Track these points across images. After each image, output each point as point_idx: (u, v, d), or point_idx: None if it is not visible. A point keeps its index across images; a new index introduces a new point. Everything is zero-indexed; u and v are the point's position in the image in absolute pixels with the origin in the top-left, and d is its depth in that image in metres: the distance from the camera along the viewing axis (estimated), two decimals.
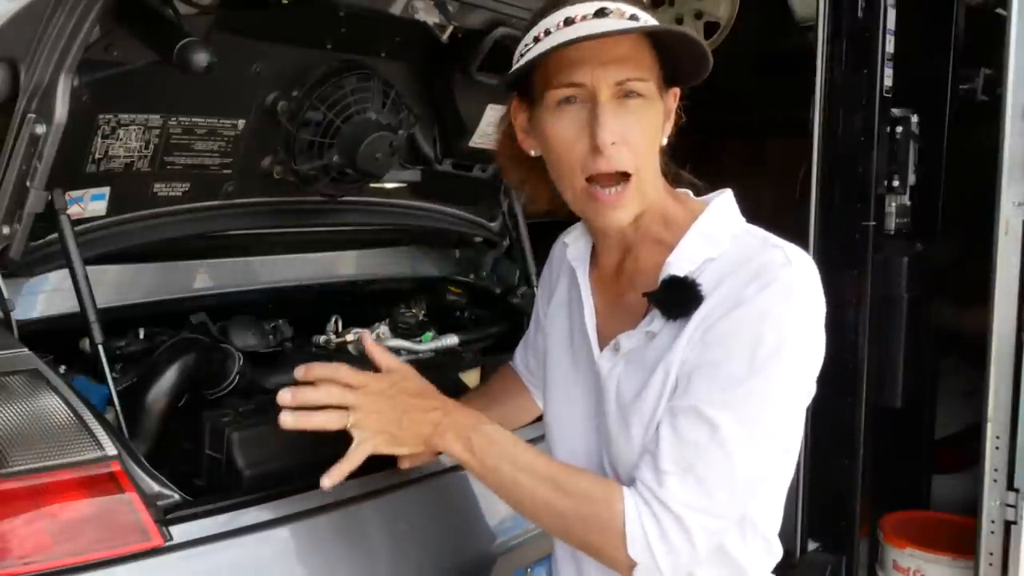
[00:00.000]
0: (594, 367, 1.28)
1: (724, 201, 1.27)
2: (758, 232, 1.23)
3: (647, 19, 1.17)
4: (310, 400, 1.26)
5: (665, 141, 1.26)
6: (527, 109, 1.27)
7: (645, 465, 1.17)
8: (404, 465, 1.42)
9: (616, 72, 1.16)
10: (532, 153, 1.29)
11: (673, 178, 1.32)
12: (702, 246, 1.21)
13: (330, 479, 1.27)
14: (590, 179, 1.19)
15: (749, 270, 1.15)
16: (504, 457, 1.22)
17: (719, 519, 1.15)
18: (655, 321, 1.21)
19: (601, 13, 1.16)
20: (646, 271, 1.24)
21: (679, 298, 1.18)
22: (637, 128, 1.18)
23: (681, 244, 1.22)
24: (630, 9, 1.17)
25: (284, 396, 1.25)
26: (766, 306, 1.13)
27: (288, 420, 1.26)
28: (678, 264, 1.20)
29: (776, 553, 1.30)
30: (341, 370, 1.27)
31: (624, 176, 1.18)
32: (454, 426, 1.25)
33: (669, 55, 1.21)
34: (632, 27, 1.15)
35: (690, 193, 1.31)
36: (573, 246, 1.38)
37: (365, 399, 1.26)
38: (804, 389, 1.19)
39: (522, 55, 1.22)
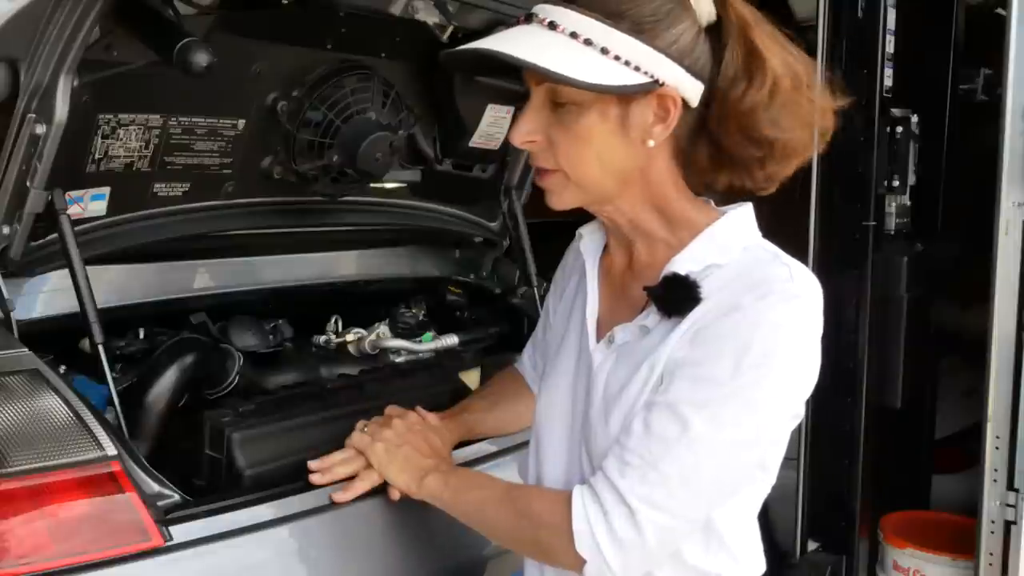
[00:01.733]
0: (589, 359, 1.29)
1: (742, 213, 1.26)
2: (771, 248, 1.22)
3: (568, 25, 1.14)
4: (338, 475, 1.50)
5: (651, 143, 1.20)
6: None
7: (612, 455, 1.17)
8: (394, 496, 1.47)
9: (531, 74, 1.18)
10: None
11: (695, 187, 1.31)
12: (711, 251, 1.20)
13: (344, 495, 1.48)
14: None
15: (751, 280, 1.15)
16: (471, 486, 1.37)
17: (675, 518, 1.13)
18: (650, 316, 1.21)
19: (528, 19, 1.18)
20: (651, 268, 1.24)
21: (676, 296, 1.18)
22: (561, 133, 1.18)
23: (690, 246, 1.22)
24: (553, 13, 1.15)
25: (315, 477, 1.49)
26: (760, 316, 1.12)
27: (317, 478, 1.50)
28: (682, 263, 1.20)
29: (747, 564, 1.29)
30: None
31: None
32: (438, 472, 1.40)
33: None
34: (505, 54, 1.13)
35: (711, 202, 1.31)
36: (588, 238, 1.39)
37: (375, 434, 1.49)
38: (789, 409, 1.18)
39: None
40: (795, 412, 1.20)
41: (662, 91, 1.16)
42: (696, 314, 1.16)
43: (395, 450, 1.45)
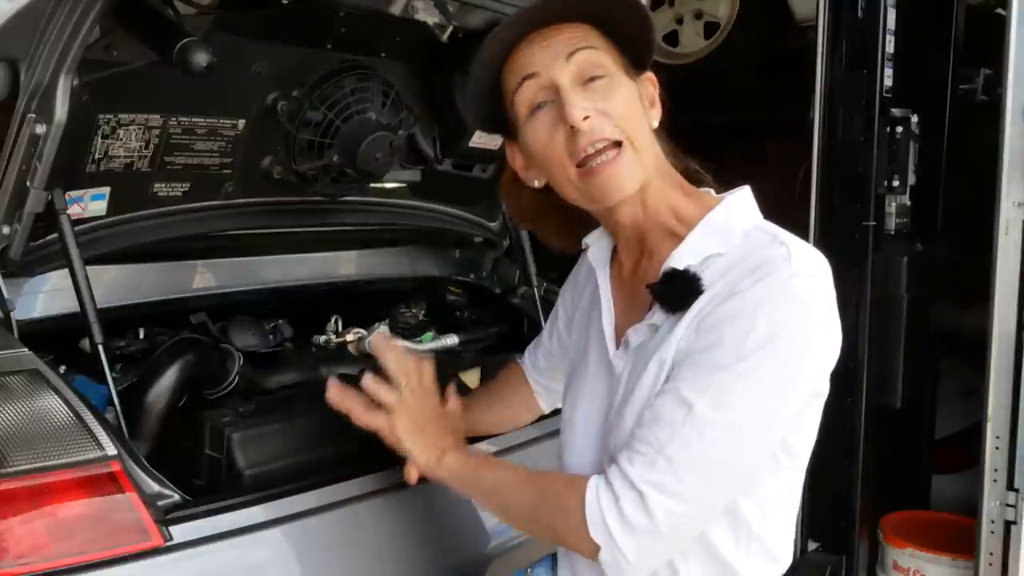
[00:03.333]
0: (610, 366, 1.29)
1: (739, 198, 1.26)
2: (770, 228, 1.22)
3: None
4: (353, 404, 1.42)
5: (655, 124, 1.26)
6: (516, 145, 1.29)
7: (624, 447, 1.17)
8: (413, 478, 1.43)
9: (564, 46, 1.18)
10: (536, 184, 1.30)
11: (689, 176, 1.32)
12: (709, 241, 1.20)
13: (412, 477, 1.42)
14: (581, 163, 1.19)
15: (750, 264, 1.15)
16: (491, 466, 1.35)
17: (686, 503, 1.13)
18: (657, 314, 1.21)
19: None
20: (658, 266, 1.24)
21: (677, 290, 1.18)
22: (609, 101, 1.18)
23: (688, 238, 1.22)
24: None
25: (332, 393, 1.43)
26: (760, 297, 1.12)
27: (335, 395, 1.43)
28: (680, 257, 1.20)
29: (781, 561, 1.28)
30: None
31: (614, 144, 1.18)
32: (456, 449, 1.37)
33: (622, 38, 1.22)
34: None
35: (711, 192, 1.30)
36: (594, 246, 1.38)
37: (404, 398, 1.40)
38: (804, 387, 1.17)
39: None
40: (815, 390, 1.19)
41: (649, 75, 1.25)
42: (699, 305, 1.16)
43: (422, 426, 1.38)
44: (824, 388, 1.21)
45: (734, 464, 1.15)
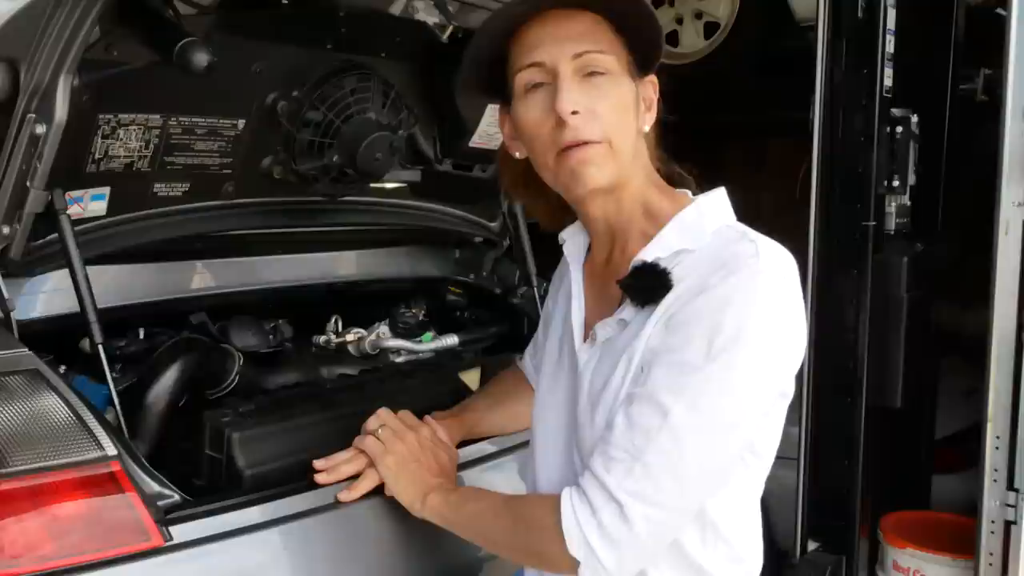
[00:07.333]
0: (576, 359, 1.29)
1: (713, 198, 1.27)
2: (740, 228, 1.23)
3: None
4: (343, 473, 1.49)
5: (646, 129, 1.27)
6: (508, 113, 1.30)
7: (597, 452, 1.17)
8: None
9: (574, 46, 1.19)
10: (517, 155, 1.32)
11: (670, 177, 1.32)
12: (679, 237, 1.21)
13: (349, 495, 1.47)
14: (561, 152, 1.21)
15: (717, 261, 1.16)
16: (469, 499, 1.37)
17: (665, 510, 1.13)
18: (627, 309, 1.22)
19: None
20: (628, 262, 1.24)
21: (646, 284, 1.19)
22: (603, 101, 1.19)
23: (659, 235, 1.23)
24: None
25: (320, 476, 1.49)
26: (727, 295, 1.12)
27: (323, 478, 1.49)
28: (650, 251, 1.21)
29: (748, 562, 1.28)
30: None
31: (594, 143, 1.20)
32: (440, 490, 1.40)
33: (632, 36, 1.23)
34: None
35: (688, 192, 1.31)
36: (570, 242, 1.39)
37: (385, 438, 1.47)
38: (774, 387, 1.18)
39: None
40: (781, 390, 1.20)
41: (651, 77, 1.26)
42: (668, 300, 1.17)
43: (405, 465, 1.44)
44: (790, 389, 1.21)
45: (709, 467, 1.15)
